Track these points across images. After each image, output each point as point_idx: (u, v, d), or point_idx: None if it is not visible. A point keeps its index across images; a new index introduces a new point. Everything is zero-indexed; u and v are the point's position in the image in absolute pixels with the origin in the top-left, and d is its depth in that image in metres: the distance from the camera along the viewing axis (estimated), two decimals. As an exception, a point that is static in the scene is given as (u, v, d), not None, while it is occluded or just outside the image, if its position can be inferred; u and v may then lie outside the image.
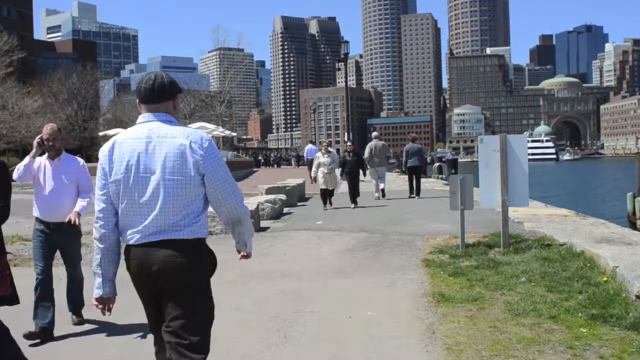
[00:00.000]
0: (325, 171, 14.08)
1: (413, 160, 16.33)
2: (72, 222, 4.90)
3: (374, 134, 17.75)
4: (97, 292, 2.84)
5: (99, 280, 2.81)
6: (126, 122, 59.18)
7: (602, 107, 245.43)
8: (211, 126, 43.75)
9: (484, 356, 4.04)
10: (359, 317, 5.12)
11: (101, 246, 2.76)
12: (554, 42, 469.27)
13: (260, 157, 66.04)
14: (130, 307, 5.65)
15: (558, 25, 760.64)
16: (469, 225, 8.64)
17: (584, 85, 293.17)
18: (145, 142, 2.70)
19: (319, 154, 14.61)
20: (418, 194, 16.35)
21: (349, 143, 15.96)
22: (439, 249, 8.05)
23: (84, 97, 63.81)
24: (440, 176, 29.93)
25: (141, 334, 4.75)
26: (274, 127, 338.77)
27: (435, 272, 6.70)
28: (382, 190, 16.23)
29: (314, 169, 14.57)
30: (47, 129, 4.97)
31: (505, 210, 7.81)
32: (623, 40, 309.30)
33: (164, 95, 2.78)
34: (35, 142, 4.93)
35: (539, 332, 4.48)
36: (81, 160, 5.16)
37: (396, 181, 24.49)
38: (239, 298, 5.96)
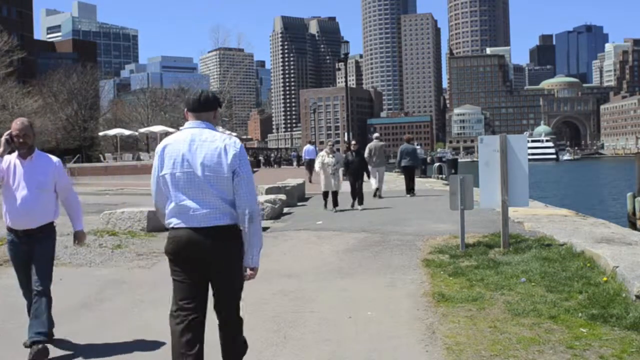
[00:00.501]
0: (330, 172, 13.63)
1: (407, 160, 17.16)
2: (79, 242, 4.72)
3: (375, 135, 18.19)
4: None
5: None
6: (126, 122, 59.27)
7: (602, 107, 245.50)
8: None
9: (484, 356, 4.04)
10: (359, 317, 5.12)
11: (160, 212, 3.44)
12: (554, 42, 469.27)
13: (260, 157, 66.01)
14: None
15: (558, 25, 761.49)
16: (469, 225, 8.64)
17: (584, 85, 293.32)
18: (189, 143, 3.26)
19: (323, 153, 14.14)
20: (412, 192, 17.09)
21: (353, 142, 15.44)
22: (439, 249, 8.05)
23: (84, 97, 63.80)
24: (440, 176, 29.92)
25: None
26: (274, 127, 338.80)
27: (435, 272, 6.70)
28: (377, 189, 16.77)
29: (316, 168, 14.18)
30: (17, 123, 4.33)
31: (505, 210, 7.81)
32: (623, 40, 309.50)
33: (207, 106, 3.37)
34: (3, 139, 4.30)
35: (539, 332, 4.48)
36: (56, 159, 4.52)
37: (396, 181, 24.49)
38: (239, 298, 5.95)
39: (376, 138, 17.45)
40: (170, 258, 3.34)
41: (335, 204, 13.79)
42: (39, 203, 4.32)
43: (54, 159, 4.50)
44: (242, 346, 3.50)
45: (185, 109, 3.42)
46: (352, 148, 14.67)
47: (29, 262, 4.41)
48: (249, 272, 3.29)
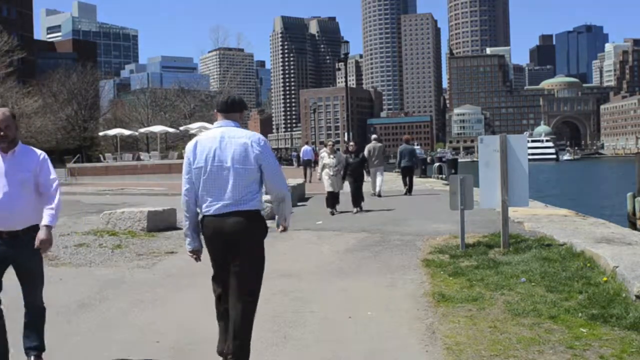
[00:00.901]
0: (331, 173, 13.16)
1: (405, 160, 17.93)
2: (41, 242, 3.84)
3: (373, 136, 18.60)
4: (190, 247, 3.88)
5: (189, 239, 3.87)
6: (126, 122, 59.24)
7: (602, 107, 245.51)
8: (211, 126, 43.80)
9: (484, 356, 4.04)
10: (359, 317, 5.12)
11: (187, 215, 3.83)
12: (554, 42, 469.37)
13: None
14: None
15: (558, 25, 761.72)
16: (469, 225, 8.64)
17: (584, 85, 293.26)
18: (219, 140, 3.70)
19: (324, 154, 13.75)
20: (410, 191, 17.82)
21: (351, 143, 14.95)
22: (439, 249, 8.05)
23: (84, 97, 63.83)
24: (440, 176, 29.93)
25: None
26: (274, 127, 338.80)
27: (435, 272, 6.70)
28: (379, 191, 17.12)
29: (318, 169, 13.91)
30: None
31: (505, 210, 7.81)
32: (623, 40, 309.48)
33: (235, 108, 3.85)
34: None
35: (539, 332, 4.48)
36: (42, 153, 4.01)
37: (396, 181, 24.48)
38: (239, 298, 5.96)
39: (374, 139, 17.87)
40: (206, 240, 3.80)
41: (335, 204, 13.42)
42: (23, 202, 3.81)
43: (40, 154, 3.99)
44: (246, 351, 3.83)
45: (216, 110, 3.89)
46: (350, 149, 14.14)
47: (5, 264, 4.05)
48: (281, 227, 3.95)
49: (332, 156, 13.41)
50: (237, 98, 3.93)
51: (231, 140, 3.69)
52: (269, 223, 11.96)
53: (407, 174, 18.04)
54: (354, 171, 13.47)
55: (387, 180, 24.23)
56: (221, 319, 3.84)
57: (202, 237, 3.83)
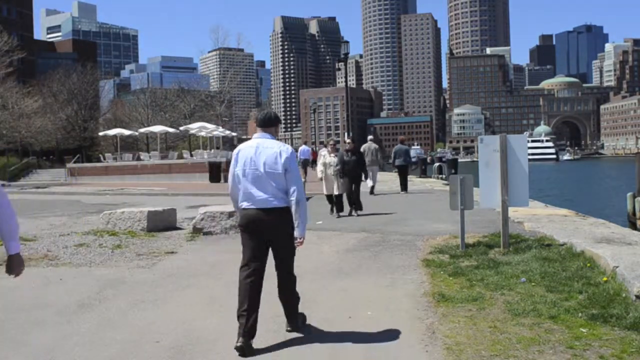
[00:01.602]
0: (332, 173, 12.55)
1: (400, 160, 18.87)
2: (14, 271, 3.46)
3: (369, 137, 19.34)
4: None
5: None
6: (126, 122, 59.21)
7: (602, 107, 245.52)
8: (211, 126, 43.76)
9: (484, 356, 4.04)
10: (359, 317, 5.12)
11: (235, 205, 4.70)
12: (554, 42, 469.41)
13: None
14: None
15: (558, 25, 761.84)
16: (469, 225, 8.64)
17: (584, 85, 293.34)
18: (255, 149, 4.54)
19: (324, 152, 13.21)
20: (405, 189, 18.53)
21: (348, 141, 14.28)
22: (439, 249, 8.05)
23: (84, 97, 63.75)
24: (440, 176, 29.94)
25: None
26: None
27: (435, 272, 6.70)
28: (372, 187, 17.74)
29: (319, 168, 13.24)
30: None
31: (505, 210, 7.81)
32: (623, 40, 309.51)
33: (270, 123, 4.69)
34: None
35: (539, 332, 4.48)
36: None
37: (396, 181, 24.47)
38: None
39: (370, 140, 18.49)
40: (241, 229, 4.61)
41: (340, 208, 12.64)
42: None
43: None
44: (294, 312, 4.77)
45: (256, 124, 4.74)
46: (346, 148, 13.32)
47: None
48: (298, 240, 4.59)
49: (333, 155, 12.83)
50: (273, 115, 4.74)
51: (265, 149, 4.52)
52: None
53: (402, 172, 18.98)
54: (350, 171, 12.64)
55: (387, 180, 24.26)
56: (244, 305, 4.44)
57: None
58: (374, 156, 17.79)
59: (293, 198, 4.48)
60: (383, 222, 11.26)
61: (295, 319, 4.76)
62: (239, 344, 4.25)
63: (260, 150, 4.53)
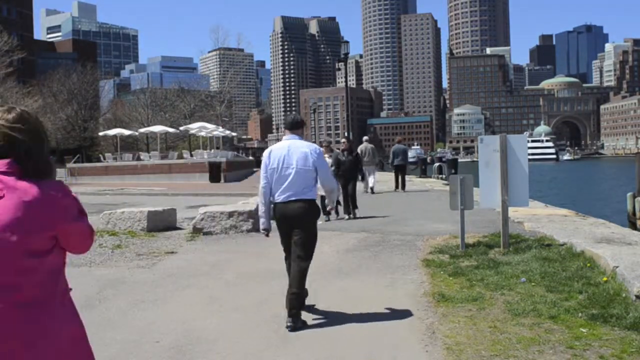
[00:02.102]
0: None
1: (398, 159, 19.45)
2: None
3: (365, 137, 20.14)
4: (263, 226, 5.32)
5: (263, 219, 5.28)
6: (126, 122, 59.24)
7: (602, 107, 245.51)
8: (211, 126, 43.79)
9: (484, 356, 4.04)
10: (359, 317, 5.12)
11: (263, 202, 5.22)
12: (554, 42, 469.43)
13: (261, 157, 65.87)
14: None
15: (558, 25, 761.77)
16: (469, 225, 8.64)
17: (584, 85, 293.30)
18: (287, 149, 5.10)
19: None
20: (403, 188, 19.10)
21: (343, 140, 13.85)
22: (439, 249, 8.05)
23: (84, 97, 63.80)
24: (440, 176, 29.93)
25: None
26: (274, 127, 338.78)
27: (435, 272, 6.70)
28: (371, 188, 18.23)
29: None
30: None
31: (505, 210, 7.81)
32: (623, 40, 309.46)
33: (297, 126, 5.29)
34: None
35: (539, 332, 4.48)
36: None
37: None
38: (239, 298, 5.96)
39: (366, 140, 19.12)
40: (277, 221, 5.18)
41: (337, 211, 11.70)
42: None
43: None
44: (302, 301, 5.06)
45: (284, 127, 5.42)
46: (342, 148, 13.03)
47: None
48: (330, 207, 5.88)
49: (327, 155, 12.25)
50: (299, 118, 5.41)
51: (295, 149, 5.09)
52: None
53: (400, 171, 19.58)
54: (345, 171, 12.21)
55: (387, 180, 24.23)
56: (289, 272, 5.20)
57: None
58: (370, 156, 18.27)
59: (325, 189, 5.30)
60: (383, 222, 11.26)
61: (298, 312, 4.90)
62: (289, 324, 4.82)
63: (292, 150, 5.10)
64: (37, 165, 1.99)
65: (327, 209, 5.76)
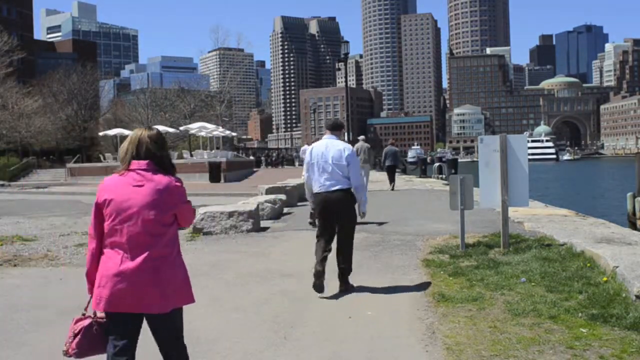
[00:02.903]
0: None
1: (389, 160, 20.57)
2: None
3: (361, 137, 20.39)
4: (312, 206, 6.76)
5: (310, 202, 6.58)
6: (126, 122, 59.19)
7: (602, 107, 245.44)
8: (211, 126, 43.79)
9: (484, 356, 4.04)
10: (359, 317, 5.12)
11: (308, 191, 6.31)
12: (554, 42, 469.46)
13: (261, 157, 65.86)
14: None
15: (558, 25, 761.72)
16: (469, 225, 8.64)
17: (584, 85, 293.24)
18: (325, 146, 6.06)
19: (306, 147, 11.85)
20: (392, 188, 20.12)
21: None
22: (439, 249, 8.05)
23: (83, 97, 63.74)
24: (440, 176, 29.93)
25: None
26: (274, 127, 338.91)
27: (435, 272, 6.70)
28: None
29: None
30: None
31: (505, 210, 7.81)
32: (623, 40, 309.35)
33: (336, 127, 6.24)
34: None
35: (539, 332, 4.48)
36: None
37: (397, 181, 24.47)
38: (239, 298, 5.96)
39: (362, 139, 19.41)
40: (317, 206, 6.07)
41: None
42: None
43: None
44: (350, 267, 6.16)
45: (325, 127, 6.29)
46: None
47: None
48: (362, 214, 6.31)
49: None
50: (339, 122, 6.34)
51: (332, 147, 6.04)
52: (269, 223, 11.93)
53: (391, 171, 20.64)
54: None
55: (386, 180, 24.22)
56: (320, 255, 5.96)
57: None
58: (365, 155, 18.49)
59: (354, 186, 5.99)
60: (383, 222, 11.25)
61: (346, 280, 6.13)
62: (317, 268, 5.87)
63: (329, 148, 6.03)
64: (164, 165, 3.03)
65: (361, 216, 6.36)
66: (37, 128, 51.57)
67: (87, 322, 3.13)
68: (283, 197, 13.81)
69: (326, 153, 5.99)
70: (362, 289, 6.16)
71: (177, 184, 3.02)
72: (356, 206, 6.15)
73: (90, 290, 3.07)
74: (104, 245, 2.99)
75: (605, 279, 5.73)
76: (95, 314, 3.11)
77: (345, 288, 6.06)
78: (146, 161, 2.97)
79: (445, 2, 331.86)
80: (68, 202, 21.16)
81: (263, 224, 11.24)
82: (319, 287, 5.85)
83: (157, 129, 3.13)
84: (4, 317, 5.43)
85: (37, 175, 47.95)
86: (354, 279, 6.70)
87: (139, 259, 2.88)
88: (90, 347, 3.07)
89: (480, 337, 4.42)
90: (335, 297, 5.89)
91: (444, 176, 29.42)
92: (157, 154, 3.01)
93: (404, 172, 38.23)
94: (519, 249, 7.57)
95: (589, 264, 6.41)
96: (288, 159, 68.42)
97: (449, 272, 6.56)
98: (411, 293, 5.88)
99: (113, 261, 2.91)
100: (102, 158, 45.23)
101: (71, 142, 60.98)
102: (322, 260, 5.90)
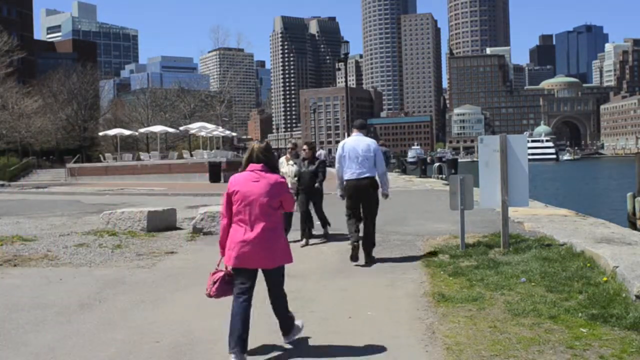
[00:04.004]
0: (289, 186, 8.79)
1: None
2: None
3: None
4: (339, 193, 7.85)
5: (339, 189, 7.80)
6: (126, 122, 59.21)
7: (602, 107, 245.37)
8: (211, 126, 43.78)
9: (484, 356, 4.04)
10: (359, 317, 5.12)
11: (338, 177, 7.72)
12: (554, 42, 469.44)
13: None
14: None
15: (558, 25, 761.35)
16: (469, 225, 8.64)
17: (584, 85, 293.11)
18: (355, 141, 7.58)
19: (282, 160, 9.98)
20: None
21: (304, 147, 9.77)
22: (439, 249, 8.05)
23: (83, 97, 63.72)
24: (440, 176, 29.92)
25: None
26: (274, 127, 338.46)
27: (435, 272, 6.70)
28: None
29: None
30: None
31: (505, 210, 7.81)
32: (623, 40, 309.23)
33: (363, 127, 7.91)
34: None
35: (539, 332, 4.48)
36: None
37: (397, 181, 24.49)
38: (239, 298, 5.95)
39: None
40: (348, 191, 7.57)
41: (308, 232, 9.52)
42: None
43: None
44: (373, 242, 7.72)
45: (353, 127, 7.95)
46: (303, 154, 9.68)
47: None
48: (385, 195, 7.76)
49: (291, 162, 9.77)
50: (365, 122, 8.29)
51: (361, 142, 7.59)
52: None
53: None
54: (305, 186, 9.44)
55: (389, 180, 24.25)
56: (354, 232, 7.51)
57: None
58: None
59: (379, 172, 7.58)
60: (383, 222, 11.24)
61: (370, 252, 7.61)
62: (354, 242, 7.47)
63: (359, 143, 7.57)
64: (271, 167, 4.32)
65: (387, 196, 7.93)
66: (37, 128, 51.57)
67: (220, 274, 4.41)
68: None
69: (356, 147, 7.51)
70: (362, 289, 6.16)
71: (282, 180, 4.35)
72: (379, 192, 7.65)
73: (222, 253, 4.38)
74: (232, 222, 4.30)
75: (605, 279, 5.73)
76: (226, 268, 4.39)
77: (370, 260, 7.51)
78: (260, 164, 4.30)
79: (445, 2, 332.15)
80: (68, 202, 21.16)
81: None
82: (355, 257, 7.43)
83: (266, 142, 4.59)
84: (4, 317, 5.43)
85: (37, 175, 47.96)
86: (354, 279, 6.71)
87: (257, 231, 4.17)
88: (224, 291, 4.41)
89: (480, 337, 4.42)
90: (367, 265, 7.45)
91: (444, 176, 29.41)
92: (266, 160, 4.32)
93: (404, 172, 38.23)
94: (519, 249, 7.57)
95: (589, 264, 6.41)
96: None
97: (449, 272, 6.56)
98: (411, 293, 5.88)
99: (239, 232, 4.21)
100: (102, 158, 45.21)
101: (71, 142, 60.98)
102: (357, 232, 7.44)
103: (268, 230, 4.19)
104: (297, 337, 4.53)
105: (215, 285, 4.43)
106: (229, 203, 4.32)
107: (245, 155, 4.49)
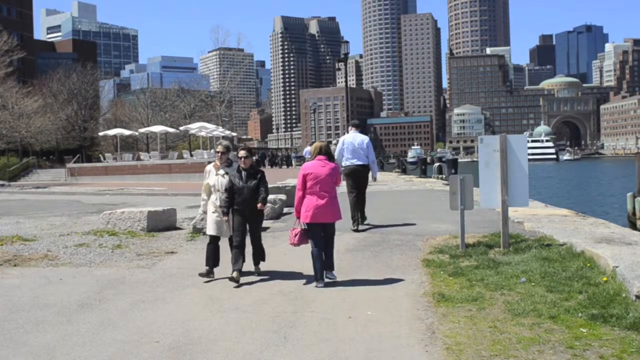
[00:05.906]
0: (218, 203, 7.07)
1: None
2: None
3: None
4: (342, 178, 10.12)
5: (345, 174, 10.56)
6: (126, 122, 59.20)
7: (602, 107, 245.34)
8: (211, 126, 43.79)
9: (484, 356, 4.04)
10: (359, 317, 5.12)
11: (340, 162, 10.42)
12: (554, 42, 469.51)
13: (266, 158, 65.69)
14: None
15: (558, 25, 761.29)
16: (469, 225, 8.64)
17: (584, 85, 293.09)
18: (352, 137, 10.58)
19: (210, 167, 7.44)
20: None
21: (242, 152, 7.09)
22: (439, 249, 8.05)
23: (83, 97, 63.71)
24: (440, 176, 29.89)
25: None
26: (274, 127, 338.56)
27: (435, 272, 6.70)
28: None
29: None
30: None
31: (505, 210, 7.80)
32: (623, 40, 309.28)
33: (358, 126, 11.03)
34: None
35: (539, 332, 4.48)
36: None
37: (397, 181, 24.49)
38: (239, 298, 5.96)
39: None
40: (347, 174, 10.34)
41: (240, 259, 6.87)
42: None
43: None
44: (364, 205, 10.65)
45: (351, 125, 10.90)
46: (242, 164, 7.00)
47: None
48: (374, 178, 10.82)
49: (222, 171, 7.21)
50: (359, 122, 11.40)
51: (357, 137, 10.42)
52: (269, 223, 11.93)
53: None
54: (244, 204, 6.83)
55: (387, 181, 24.23)
56: (355, 205, 10.28)
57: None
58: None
59: (370, 159, 10.42)
60: (383, 222, 11.24)
61: (363, 211, 10.61)
62: (354, 228, 10.15)
63: (355, 138, 10.38)
64: (330, 158, 6.71)
65: (375, 179, 11.23)
66: (37, 128, 51.53)
67: (299, 229, 6.54)
68: (283, 197, 13.79)
69: (353, 141, 10.34)
70: (362, 289, 6.16)
71: (337, 165, 6.86)
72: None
73: (297, 215, 6.57)
74: (306, 193, 6.49)
75: (605, 279, 5.73)
76: (302, 225, 6.51)
77: (364, 217, 10.64)
78: (324, 156, 6.66)
79: (445, 2, 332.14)
80: (68, 202, 21.16)
81: (263, 224, 11.20)
82: (356, 229, 10.09)
83: (329, 141, 6.13)
84: (4, 317, 5.43)
85: (37, 175, 47.96)
86: (354, 279, 6.72)
87: (324, 199, 6.44)
88: (302, 240, 6.57)
89: (480, 337, 4.42)
90: (363, 230, 10.15)
91: (444, 176, 29.37)
92: (327, 153, 6.68)
93: (404, 172, 38.22)
94: (519, 249, 7.57)
95: (589, 264, 6.41)
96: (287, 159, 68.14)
97: (449, 272, 6.56)
98: (411, 293, 5.88)
99: (312, 200, 6.44)
100: (102, 158, 45.20)
101: (71, 142, 60.97)
102: (356, 208, 10.26)
103: (331, 198, 6.48)
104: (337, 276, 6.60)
105: (297, 237, 6.53)
106: (304, 182, 6.49)
107: (314, 150, 6.75)
